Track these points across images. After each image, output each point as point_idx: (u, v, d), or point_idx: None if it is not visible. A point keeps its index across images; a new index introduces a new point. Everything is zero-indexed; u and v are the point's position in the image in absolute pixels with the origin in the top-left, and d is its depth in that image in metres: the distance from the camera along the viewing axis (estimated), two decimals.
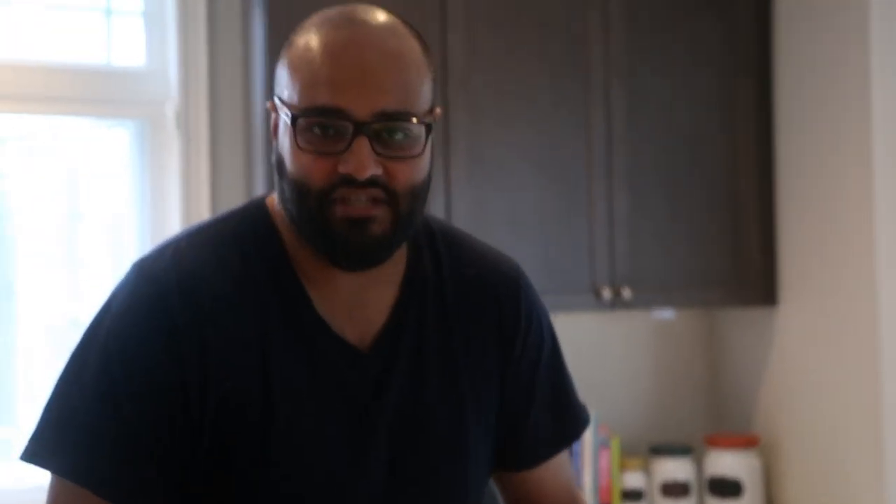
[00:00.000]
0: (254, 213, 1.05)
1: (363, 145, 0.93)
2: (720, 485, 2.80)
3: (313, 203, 0.95)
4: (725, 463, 2.80)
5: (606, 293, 2.57)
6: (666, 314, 2.93)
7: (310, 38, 0.97)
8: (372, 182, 0.94)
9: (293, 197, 0.97)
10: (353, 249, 0.97)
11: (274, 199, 1.04)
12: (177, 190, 2.52)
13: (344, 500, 1.02)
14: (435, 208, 2.43)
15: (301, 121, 0.95)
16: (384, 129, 0.95)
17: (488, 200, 2.50)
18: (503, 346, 1.11)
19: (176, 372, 0.96)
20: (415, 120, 0.96)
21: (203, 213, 2.50)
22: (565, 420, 1.19)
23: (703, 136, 2.70)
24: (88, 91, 2.53)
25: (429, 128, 0.99)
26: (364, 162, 0.93)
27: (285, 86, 0.98)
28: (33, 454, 0.96)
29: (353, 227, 0.95)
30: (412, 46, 0.99)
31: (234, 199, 2.58)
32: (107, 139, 2.66)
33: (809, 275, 2.68)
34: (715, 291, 2.73)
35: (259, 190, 2.38)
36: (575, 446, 2.69)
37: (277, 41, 2.29)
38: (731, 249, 2.72)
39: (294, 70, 0.97)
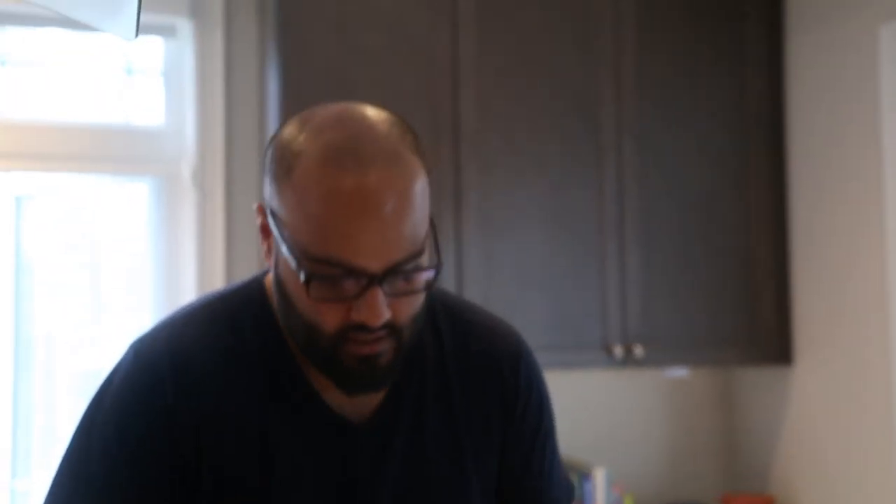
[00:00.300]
0: (251, 293, 1.06)
1: (377, 296, 0.92)
2: None
3: (325, 343, 0.96)
4: None
5: (618, 351, 2.56)
6: (679, 372, 2.91)
7: (314, 177, 0.92)
8: (382, 325, 0.95)
9: (302, 334, 0.97)
10: (360, 381, 0.98)
11: (271, 279, 1.05)
12: (192, 245, 2.56)
13: None
14: (446, 265, 2.45)
15: (311, 272, 0.93)
16: (393, 276, 0.94)
17: (499, 257, 2.51)
18: (505, 418, 1.12)
19: (173, 454, 0.98)
20: (422, 260, 0.95)
21: (217, 268, 2.54)
22: (558, 488, 1.19)
23: (716, 193, 2.70)
24: (108, 149, 2.59)
25: (435, 242, 0.99)
26: (378, 311, 0.93)
27: (285, 212, 0.94)
28: None
29: (363, 363, 0.96)
30: (415, 170, 0.95)
31: (248, 255, 2.63)
32: (126, 196, 2.72)
33: (824, 334, 2.66)
34: (729, 350, 2.71)
35: None
36: None
37: (291, 102, 2.34)
38: (745, 308, 2.70)
39: (298, 208, 0.93)
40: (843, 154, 2.60)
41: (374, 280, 0.92)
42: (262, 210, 1.00)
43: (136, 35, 1.06)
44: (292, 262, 0.94)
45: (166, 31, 2.64)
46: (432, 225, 0.98)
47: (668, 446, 2.99)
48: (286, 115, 2.36)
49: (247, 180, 2.62)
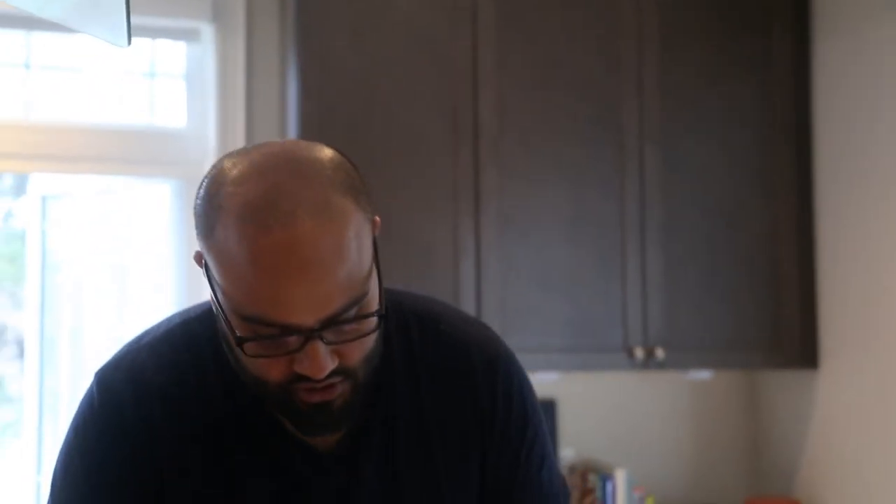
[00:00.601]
0: (213, 320, 1.02)
1: (317, 350, 0.88)
2: None
3: (274, 391, 0.93)
4: None
5: (639, 353, 2.55)
6: (703, 374, 2.89)
7: (235, 237, 0.86)
8: (331, 373, 0.91)
9: (251, 384, 0.94)
10: (318, 424, 0.95)
11: None
12: None
13: None
14: (465, 268, 2.45)
15: (244, 332, 0.89)
16: (333, 327, 0.89)
17: (519, 260, 2.50)
18: (483, 434, 1.07)
19: (138, 486, 0.98)
20: (366, 304, 0.91)
21: None
22: (550, 497, 1.13)
23: (740, 199, 2.67)
24: (131, 151, 2.61)
25: (379, 282, 0.93)
26: (320, 365, 0.89)
27: (214, 269, 0.90)
28: None
29: (317, 409, 0.93)
30: (346, 214, 0.89)
31: None
32: (149, 196, 2.74)
33: (850, 338, 2.63)
34: (752, 354, 2.68)
35: None
36: None
37: (311, 107, 2.35)
38: (769, 312, 2.67)
39: (224, 268, 0.88)
40: (871, 159, 2.56)
41: (312, 334, 0.88)
42: (199, 260, 0.94)
43: (129, 42, 1.05)
44: (223, 323, 0.91)
45: (189, 36, 2.66)
46: (376, 263, 0.93)
47: (690, 448, 2.98)
48: (305, 118, 2.37)
49: None
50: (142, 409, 0.99)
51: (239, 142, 2.59)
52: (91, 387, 1.02)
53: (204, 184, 0.92)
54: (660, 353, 2.56)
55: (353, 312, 0.89)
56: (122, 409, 0.99)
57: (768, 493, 2.93)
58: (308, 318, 0.87)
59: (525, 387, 1.12)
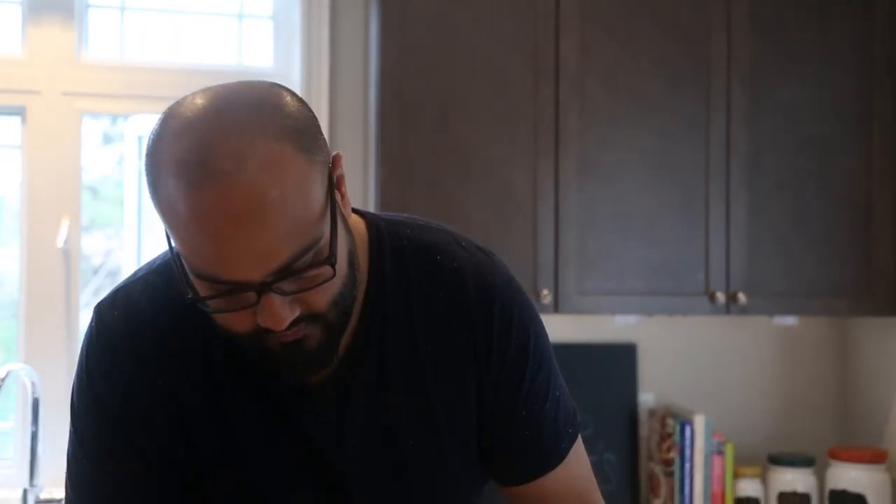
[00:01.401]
0: None
1: (272, 302, 0.87)
2: (843, 498, 2.70)
3: (244, 341, 0.93)
4: (850, 477, 2.69)
5: (720, 298, 2.51)
6: (788, 320, 2.83)
7: (171, 197, 0.85)
8: (294, 321, 0.90)
9: (222, 334, 0.94)
10: (295, 368, 0.95)
11: None
12: None
13: None
14: (543, 212, 2.44)
15: (199, 287, 0.89)
16: (286, 278, 0.88)
17: (599, 204, 2.48)
18: (479, 368, 1.05)
19: (132, 413, 1.01)
20: (314, 252, 0.88)
21: None
22: (553, 436, 1.11)
23: (832, 139, 2.58)
24: None
25: (333, 230, 0.90)
26: (278, 316, 0.88)
27: (162, 222, 0.89)
28: None
29: (288, 348, 0.92)
30: (283, 163, 0.85)
31: (351, 191, 2.68)
32: None
33: None
34: (840, 301, 2.61)
35: (373, 186, 2.45)
36: (686, 451, 2.66)
37: (392, 46, 2.35)
38: (859, 258, 2.59)
39: (169, 226, 0.88)
40: None
41: (264, 288, 0.86)
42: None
43: None
44: (181, 280, 0.90)
45: None
46: (331, 205, 0.90)
47: (774, 395, 2.93)
48: (386, 58, 2.38)
49: (350, 119, 2.67)
50: (134, 342, 1.01)
51: (323, 81, 2.63)
52: (90, 324, 1.06)
53: (147, 141, 0.90)
54: (742, 297, 2.51)
55: (306, 260, 0.87)
56: (115, 343, 1.02)
57: (856, 442, 2.87)
58: (254, 273, 0.86)
59: (526, 316, 1.08)
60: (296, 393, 1.02)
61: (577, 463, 1.14)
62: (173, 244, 0.90)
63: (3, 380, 2.31)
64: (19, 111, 2.64)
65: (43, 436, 2.44)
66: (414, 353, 1.04)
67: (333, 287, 0.92)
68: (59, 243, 2.60)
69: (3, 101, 2.62)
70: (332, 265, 0.89)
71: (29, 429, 2.48)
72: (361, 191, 2.62)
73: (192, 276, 0.89)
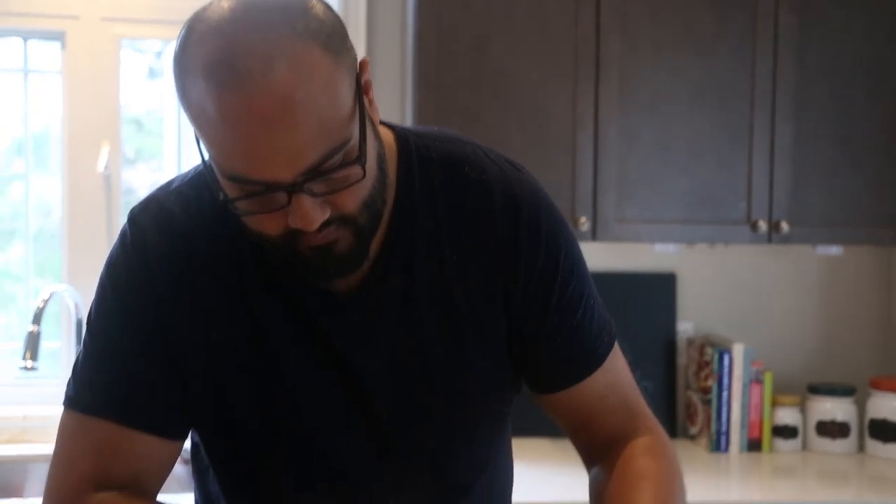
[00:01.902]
0: None
1: (302, 203, 0.88)
2: (882, 428, 2.68)
3: (276, 243, 0.94)
4: (891, 406, 2.67)
5: (762, 226, 2.48)
6: (832, 250, 2.79)
7: (200, 100, 0.86)
8: (325, 223, 0.91)
9: (253, 238, 0.95)
10: (325, 270, 0.95)
11: None
12: None
13: (340, 450, 1.04)
14: (582, 138, 2.41)
15: (230, 191, 0.90)
16: (317, 178, 0.89)
17: (640, 130, 2.44)
18: (507, 280, 1.04)
19: (161, 318, 1.01)
20: (344, 154, 0.89)
21: None
22: (589, 342, 1.10)
23: (882, 66, 2.50)
24: None
25: (362, 132, 0.91)
26: (309, 218, 0.89)
27: (194, 129, 0.90)
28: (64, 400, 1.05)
29: (319, 252, 0.93)
30: (311, 62, 0.86)
31: (388, 117, 2.66)
32: None
33: None
34: (886, 230, 2.56)
35: (410, 112, 2.43)
36: (724, 379, 2.65)
37: None
38: None
39: (199, 129, 0.89)
40: None
41: (295, 188, 0.87)
42: None
43: None
44: (213, 183, 0.92)
45: None
46: (360, 107, 0.90)
47: (815, 325, 2.90)
48: None
49: (388, 46, 2.64)
50: (166, 248, 1.01)
51: (361, 7, 2.59)
52: (124, 226, 1.06)
53: (175, 47, 0.91)
54: (785, 226, 2.47)
55: (336, 160, 0.88)
56: (148, 248, 1.02)
57: None
58: (285, 173, 0.87)
59: (555, 227, 1.07)
60: (325, 304, 1.02)
61: (616, 370, 1.13)
62: (203, 149, 0.91)
63: (47, 301, 2.36)
64: (59, 36, 2.64)
65: None
66: (441, 263, 1.04)
67: (363, 189, 0.93)
68: (100, 168, 2.62)
69: (43, 25, 2.62)
70: (362, 165, 0.90)
71: (74, 349, 2.54)
72: (399, 118, 2.60)
73: (223, 180, 0.90)
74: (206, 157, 0.92)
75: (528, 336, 1.08)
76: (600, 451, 1.12)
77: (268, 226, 0.92)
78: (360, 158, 0.90)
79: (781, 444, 2.71)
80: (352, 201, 0.92)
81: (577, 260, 1.09)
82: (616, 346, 1.14)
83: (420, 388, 1.05)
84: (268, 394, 1.03)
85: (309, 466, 1.05)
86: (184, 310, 1.02)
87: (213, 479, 1.11)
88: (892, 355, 2.90)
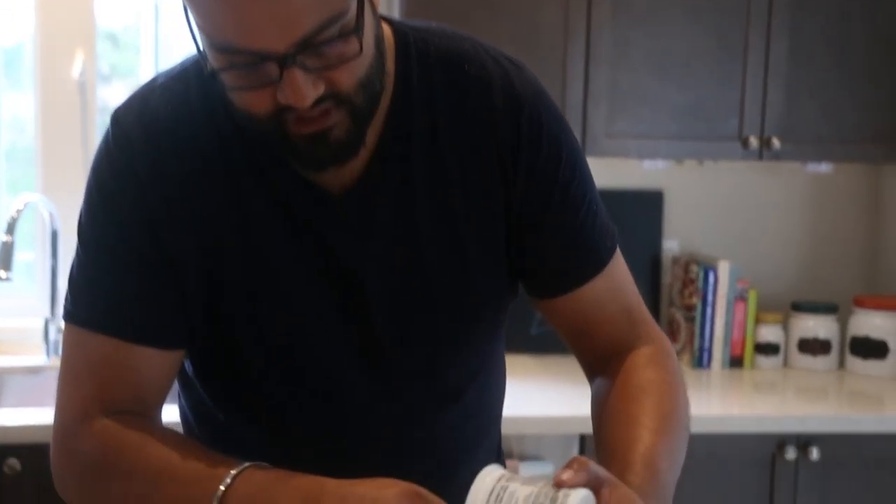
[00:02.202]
0: None
1: (294, 77, 0.83)
2: (863, 345, 2.70)
3: (267, 127, 0.89)
4: (873, 324, 2.69)
5: (754, 142, 2.44)
6: (822, 167, 2.76)
7: None
8: (318, 100, 0.86)
9: (243, 120, 0.90)
10: (319, 158, 0.91)
11: None
12: None
13: (332, 356, 1.01)
14: (573, 51, 2.35)
15: (218, 62, 0.85)
16: (310, 50, 0.83)
17: (632, 43, 2.38)
18: (506, 179, 1.01)
19: (148, 224, 0.96)
20: (340, 25, 0.83)
21: None
22: (591, 244, 1.07)
23: None
24: None
25: (360, 2, 0.85)
26: (301, 93, 0.84)
27: None
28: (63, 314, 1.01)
29: (313, 141, 0.89)
30: None
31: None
32: None
33: None
34: (877, 147, 2.53)
35: (397, 14, 2.36)
36: (708, 297, 2.65)
37: None
38: None
39: None
40: None
41: (286, 61, 0.82)
42: None
43: None
44: (201, 57, 0.87)
45: None
46: None
47: (802, 244, 2.90)
48: None
49: None
50: (151, 145, 0.97)
51: None
52: (107, 128, 1.01)
53: None
54: (776, 143, 2.44)
55: (332, 32, 0.83)
56: (134, 150, 0.97)
57: (881, 292, 2.85)
58: (277, 43, 0.82)
59: (557, 126, 1.04)
60: (319, 203, 0.98)
61: (618, 276, 1.10)
62: (191, 17, 0.86)
63: (20, 211, 2.31)
64: None
65: (62, 269, 2.45)
66: (438, 160, 1.00)
67: (360, 67, 0.88)
68: (75, 75, 2.54)
69: None
70: (360, 39, 0.85)
71: (49, 261, 2.49)
72: None
73: (210, 53, 0.86)
74: (192, 27, 0.86)
75: (528, 237, 1.04)
76: (602, 362, 1.10)
77: (257, 104, 0.87)
78: (358, 30, 0.85)
79: (763, 360, 2.73)
80: (347, 78, 0.87)
81: (579, 160, 1.06)
82: (618, 253, 1.10)
83: (416, 291, 1.02)
84: (261, 298, 0.99)
85: (300, 372, 1.02)
86: (174, 214, 0.97)
87: (200, 387, 1.07)
88: (876, 274, 2.90)
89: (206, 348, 1.02)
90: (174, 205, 0.97)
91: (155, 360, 0.99)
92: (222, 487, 0.89)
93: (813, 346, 2.74)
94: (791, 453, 2.25)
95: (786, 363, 2.76)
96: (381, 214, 1.00)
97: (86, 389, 0.99)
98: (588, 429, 2.16)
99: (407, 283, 1.01)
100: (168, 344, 1.00)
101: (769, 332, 2.73)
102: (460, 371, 1.08)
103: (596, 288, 1.07)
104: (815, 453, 2.25)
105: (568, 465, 0.80)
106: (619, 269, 1.10)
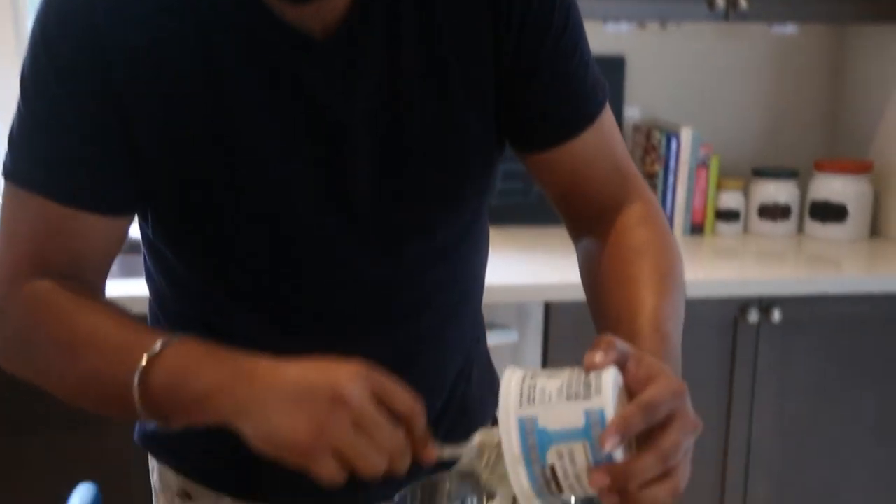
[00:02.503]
0: None
1: None
2: (823, 209, 2.70)
3: None
4: (833, 187, 2.68)
5: (720, 3, 2.37)
6: (788, 29, 2.70)
7: None
8: None
9: None
10: None
11: None
12: None
13: (325, 213, 0.95)
14: None
15: None
16: None
17: None
18: (496, 21, 0.95)
19: (100, 75, 0.87)
20: None
21: None
22: (582, 94, 1.02)
23: None
24: None
25: None
26: None
27: None
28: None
29: None
30: None
31: None
32: None
33: None
34: (843, 6, 2.48)
35: None
36: (670, 164, 2.62)
37: None
38: None
39: None
40: None
41: None
42: None
43: None
44: None
45: None
46: None
47: (765, 108, 2.86)
48: None
49: None
50: None
51: None
52: None
53: None
54: (743, 2, 2.37)
55: None
56: None
57: (843, 155, 2.84)
58: None
59: None
60: (299, 48, 0.91)
61: (608, 130, 1.05)
62: None
63: None
64: None
65: None
66: (427, 6, 0.94)
67: None
68: None
69: None
70: None
71: None
72: None
73: None
74: None
75: (520, 86, 0.99)
76: (590, 221, 1.06)
77: None
78: None
79: (724, 227, 2.72)
80: None
81: (573, 8, 1.00)
82: (608, 109, 1.06)
83: (404, 143, 0.96)
84: (238, 158, 0.92)
85: (287, 237, 0.96)
86: (131, 61, 0.88)
87: (172, 256, 1.00)
88: (837, 138, 2.89)
89: (169, 213, 0.95)
90: (132, 54, 0.88)
91: (98, 227, 0.92)
92: (146, 357, 0.84)
93: (773, 212, 2.73)
94: (753, 316, 2.26)
95: (746, 229, 2.76)
96: (366, 62, 0.93)
97: (20, 251, 0.92)
98: (552, 296, 2.15)
99: (395, 135, 0.95)
100: (113, 210, 0.92)
101: (730, 199, 2.72)
102: (449, 230, 1.03)
103: (587, 141, 1.03)
104: (776, 315, 2.26)
105: (595, 347, 0.77)
106: (610, 124, 1.06)
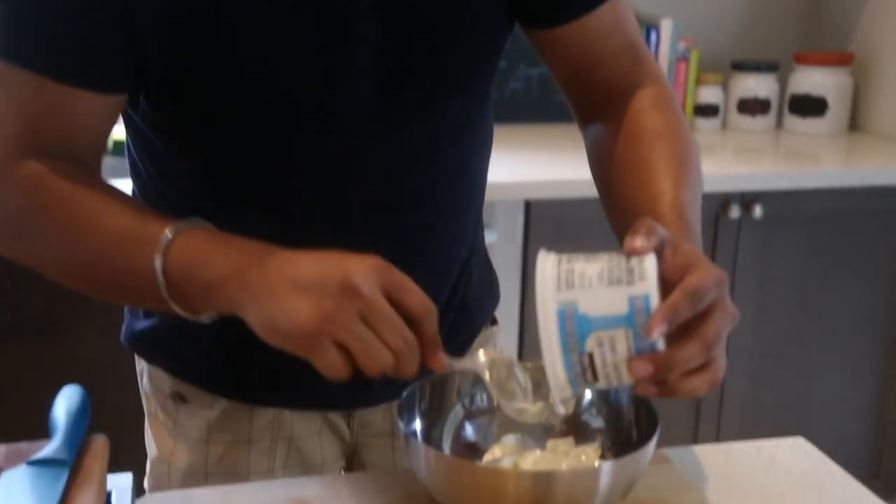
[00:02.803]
0: None
1: None
2: (803, 102, 2.67)
3: None
4: (813, 80, 2.65)
5: None
6: None
7: None
8: None
9: None
10: None
11: None
12: None
13: (334, 91, 0.89)
14: None
15: None
16: None
17: None
18: None
19: None
20: None
21: None
22: None
23: None
24: None
25: None
26: None
27: None
28: None
29: None
30: None
31: None
32: None
33: None
34: None
35: None
36: None
37: None
38: None
39: None
40: None
41: None
42: None
43: None
44: None
45: None
46: None
47: (744, 1, 2.80)
48: None
49: None
50: None
51: None
52: None
53: None
54: None
55: None
56: None
57: (822, 48, 2.79)
58: None
59: None
60: None
61: (623, 8, 1.00)
62: None
63: None
64: None
65: None
66: None
67: None
68: None
69: None
70: None
71: None
72: None
73: None
74: None
75: None
76: (601, 105, 1.01)
77: None
78: None
79: (702, 123, 2.69)
80: None
81: None
82: None
83: (410, 18, 0.90)
84: (230, 22, 0.84)
85: (294, 117, 0.90)
86: None
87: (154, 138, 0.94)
88: (817, 30, 2.83)
89: (172, 97, 0.88)
90: None
91: (92, 105, 0.86)
92: (161, 244, 0.80)
93: (752, 106, 2.69)
94: (735, 212, 2.24)
95: (724, 125, 2.72)
96: None
97: (11, 131, 0.86)
98: (532, 194, 2.11)
99: (403, 8, 0.89)
100: (108, 87, 0.86)
101: (709, 94, 2.67)
102: (457, 112, 0.98)
103: (602, 17, 0.98)
104: (758, 210, 2.25)
105: (635, 231, 0.73)
106: (625, 2, 1.01)
